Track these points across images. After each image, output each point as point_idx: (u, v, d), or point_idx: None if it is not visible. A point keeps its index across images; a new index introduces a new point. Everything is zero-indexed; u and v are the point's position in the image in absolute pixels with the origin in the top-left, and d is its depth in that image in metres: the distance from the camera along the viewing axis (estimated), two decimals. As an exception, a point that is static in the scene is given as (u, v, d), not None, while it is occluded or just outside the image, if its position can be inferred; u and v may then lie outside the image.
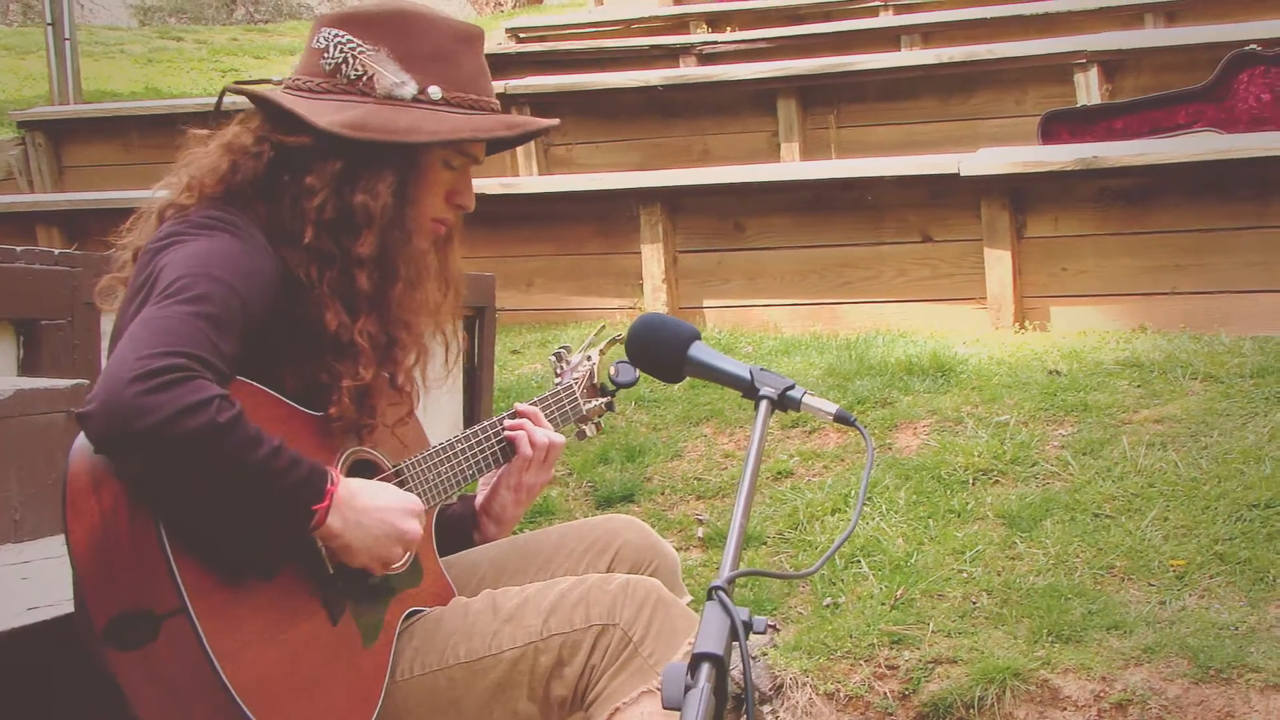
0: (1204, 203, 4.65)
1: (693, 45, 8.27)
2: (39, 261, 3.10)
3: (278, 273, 1.83)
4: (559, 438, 2.20)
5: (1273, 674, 2.75)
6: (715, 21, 9.11)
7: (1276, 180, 4.56)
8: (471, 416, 3.97)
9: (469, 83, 1.94)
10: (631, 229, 5.40)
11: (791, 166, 6.28)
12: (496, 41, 9.35)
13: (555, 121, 2.09)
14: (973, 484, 3.61)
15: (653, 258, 5.33)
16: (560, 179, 6.35)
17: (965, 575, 3.24)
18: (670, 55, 8.22)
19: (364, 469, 1.93)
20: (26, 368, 3.00)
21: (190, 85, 10.20)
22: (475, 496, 2.26)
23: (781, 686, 2.98)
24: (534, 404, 2.24)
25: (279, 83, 1.96)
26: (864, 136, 6.72)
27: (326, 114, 1.86)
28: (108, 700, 1.67)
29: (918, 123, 6.68)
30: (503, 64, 8.20)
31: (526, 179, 6.77)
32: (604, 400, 2.40)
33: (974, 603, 3.15)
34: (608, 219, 5.49)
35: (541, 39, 9.52)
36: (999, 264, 4.84)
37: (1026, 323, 4.80)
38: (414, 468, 2.00)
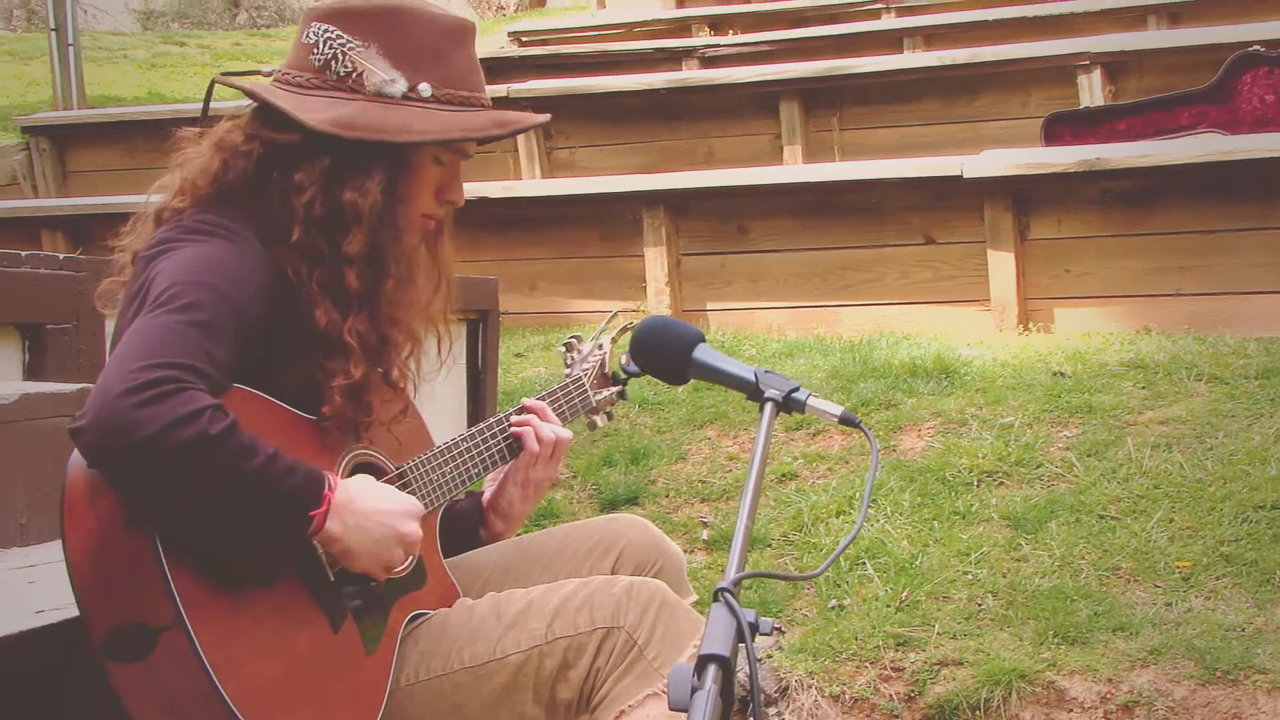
0: (1207, 204, 4.64)
1: (695, 48, 8.26)
2: (44, 266, 3.10)
3: (271, 274, 1.82)
4: (566, 433, 2.19)
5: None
6: (718, 24, 9.12)
7: (1280, 181, 4.56)
8: (475, 420, 3.96)
9: (460, 79, 1.92)
10: (634, 232, 5.39)
11: (794, 169, 6.27)
12: (499, 45, 9.37)
13: (546, 117, 2.06)
14: (977, 486, 3.61)
15: (656, 260, 5.33)
16: (563, 182, 6.36)
17: (970, 577, 3.24)
18: (673, 58, 8.21)
19: (366, 472, 1.91)
20: (32, 372, 3.00)
21: (193, 90, 10.20)
22: (482, 493, 2.24)
23: (787, 688, 2.97)
24: (542, 398, 2.22)
25: (269, 74, 1.94)
26: (867, 139, 6.72)
27: (316, 111, 1.84)
28: (115, 705, 1.67)
29: (920, 125, 6.68)
30: (505, 68, 8.21)
31: (529, 182, 6.78)
32: (615, 390, 2.37)
33: (979, 604, 3.14)
34: (611, 222, 5.48)
35: (544, 42, 9.53)
36: (1002, 266, 4.83)
37: (1030, 325, 4.79)
38: (417, 469, 1.99)
